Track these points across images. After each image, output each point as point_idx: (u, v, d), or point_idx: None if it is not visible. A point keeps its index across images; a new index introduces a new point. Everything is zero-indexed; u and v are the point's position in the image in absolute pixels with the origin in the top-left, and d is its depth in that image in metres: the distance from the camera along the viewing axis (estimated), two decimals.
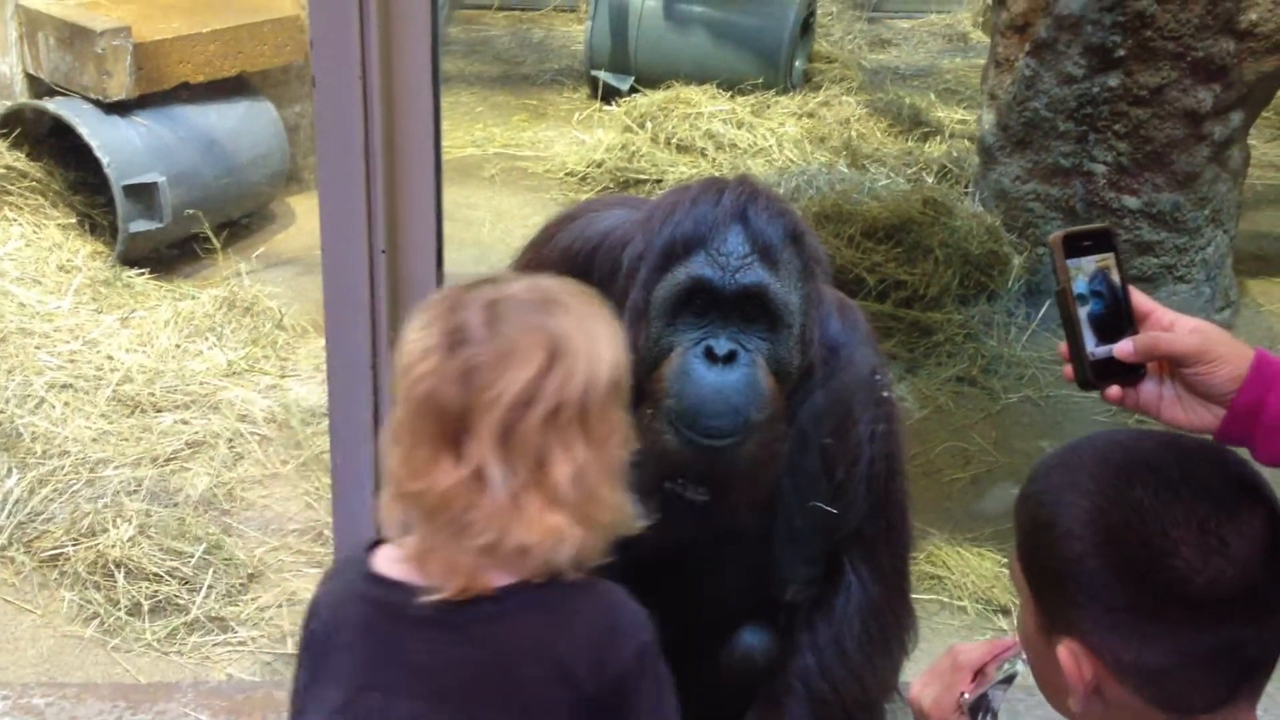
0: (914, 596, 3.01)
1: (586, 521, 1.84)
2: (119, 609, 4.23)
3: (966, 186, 6.88)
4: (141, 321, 5.77)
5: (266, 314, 5.89)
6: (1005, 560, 4.29)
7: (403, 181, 2.20)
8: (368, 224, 2.20)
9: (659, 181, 7.44)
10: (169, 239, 6.43)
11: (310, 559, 4.54)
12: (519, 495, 1.81)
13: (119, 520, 4.48)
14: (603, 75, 8.86)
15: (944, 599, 4.53)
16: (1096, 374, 1.95)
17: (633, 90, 8.64)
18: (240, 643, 4.18)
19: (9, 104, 6.48)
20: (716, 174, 7.17)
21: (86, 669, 4.05)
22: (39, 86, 6.59)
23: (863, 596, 2.68)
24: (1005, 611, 4.41)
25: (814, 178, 6.98)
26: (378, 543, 1.98)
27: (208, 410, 5.23)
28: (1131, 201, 6.06)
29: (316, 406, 5.17)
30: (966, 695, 1.99)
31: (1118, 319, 1.96)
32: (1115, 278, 1.96)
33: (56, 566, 4.40)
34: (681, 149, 7.87)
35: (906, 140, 8.08)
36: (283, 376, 5.54)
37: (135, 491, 4.70)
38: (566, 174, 7.82)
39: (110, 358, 5.45)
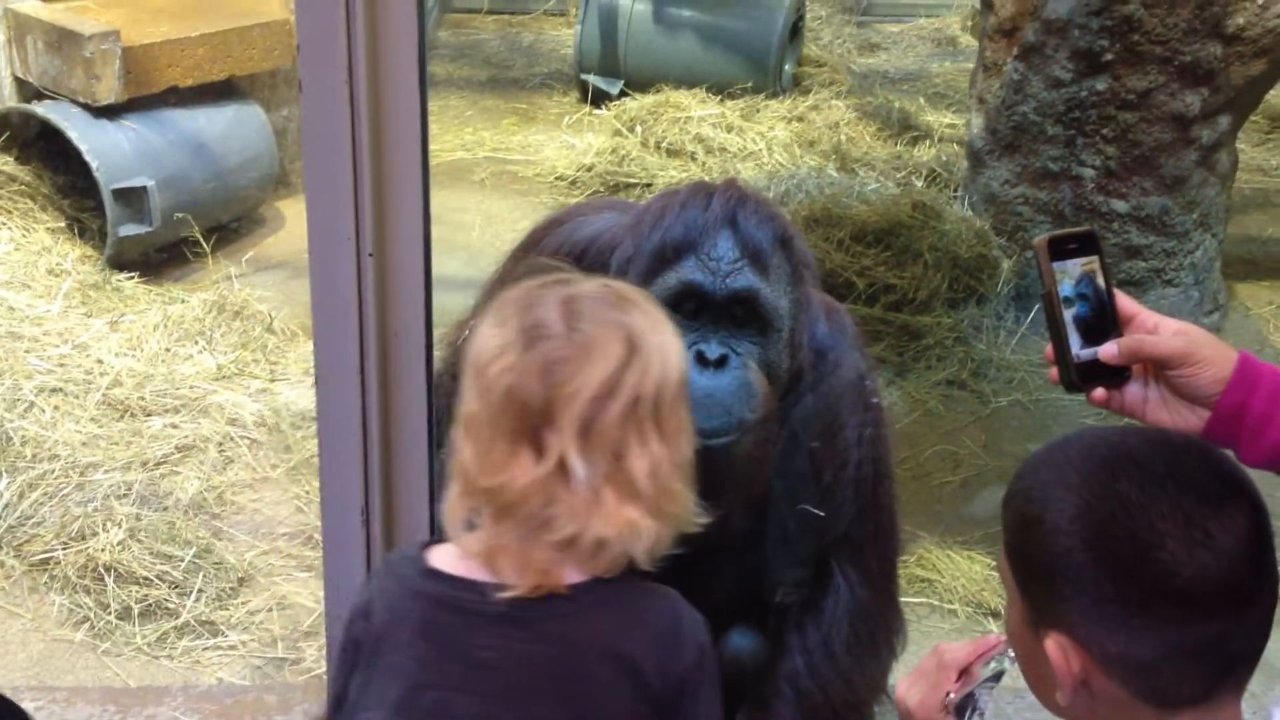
0: (904, 600, 3.02)
1: (659, 514, 1.88)
2: (109, 613, 4.23)
3: (955, 190, 6.89)
4: (131, 325, 5.76)
5: (256, 318, 5.88)
6: (995, 564, 4.31)
7: (390, 185, 2.20)
8: (355, 227, 2.21)
9: (649, 185, 7.44)
10: (158, 243, 6.43)
11: (300, 563, 4.54)
12: (599, 488, 1.83)
13: (109, 524, 4.48)
14: (592, 79, 8.86)
15: (934, 602, 4.54)
16: (1082, 376, 1.96)
17: (622, 94, 8.64)
18: (230, 647, 4.18)
19: None
20: (706, 178, 7.19)
21: (76, 673, 4.05)
22: (27, 90, 6.58)
23: (851, 599, 2.68)
24: (995, 614, 4.42)
25: (803, 182, 6.99)
26: (429, 542, 1.99)
27: (197, 414, 5.23)
28: (1120, 205, 6.08)
29: (306, 410, 5.17)
30: (952, 695, 2.00)
31: (1103, 322, 1.97)
32: (1100, 281, 1.97)
33: (46, 570, 4.40)
34: (671, 153, 7.87)
35: (896, 144, 8.09)
36: (272, 380, 5.54)
37: (125, 495, 4.69)
38: (556, 178, 7.82)
39: (100, 361, 5.45)
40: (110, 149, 6.20)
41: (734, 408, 2.40)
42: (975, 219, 6.34)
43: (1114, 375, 1.97)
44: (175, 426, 5.13)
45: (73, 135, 6.13)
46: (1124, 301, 1.99)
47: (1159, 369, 1.95)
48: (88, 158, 6.10)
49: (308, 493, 4.82)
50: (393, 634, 1.95)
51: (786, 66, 8.90)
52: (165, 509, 4.66)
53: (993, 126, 6.29)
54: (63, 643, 4.16)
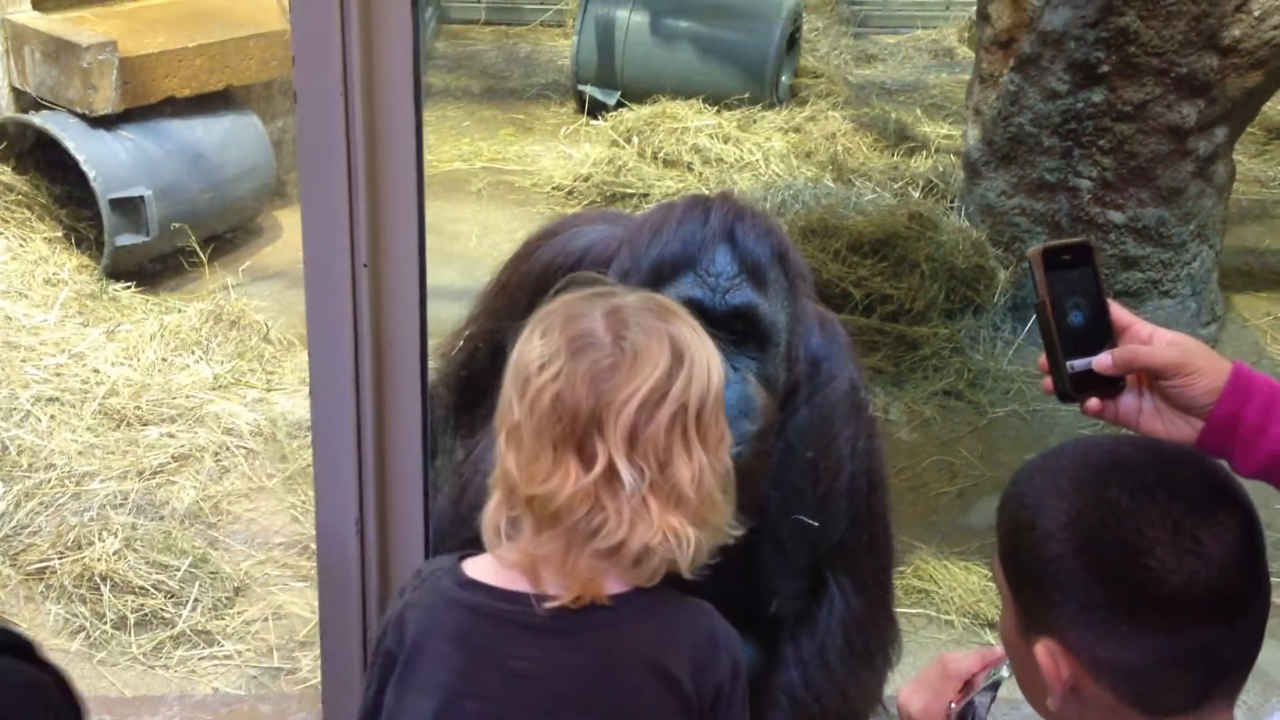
0: (901, 611, 3.03)
1: (701, 523, 1.89)
2: (105, 622, 4.23)
3: (952, 201, 6.89)
4: (128, 335, 5.77)
5: (253, 327, 5.88)
6: (991, 574, 4.31)
7: (385, 196, 2.20)
8: (350, 238, 2.21)
9: (645, 196, 7.45)
10: (155, 252, 6.43)
11: (296, 573, 4.54)
12: (645, 496, 1.85)
13: (105, 534, 4.48)
14: (589, 90, 8.87)
15: (931, 613, 4.54)
16: (1076, 386, 1.97)
17: (619, 105, 8.65)
18: (226, 656, 4.18)
19: None
20: (703, 189, 7.20)
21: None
22: (25, 100, 6.59)
23: (845, 609, 2.68)
24: (992, 625, 4.42)
25: (800, 192, 7.00)
26: (465, 553, 2.00)
27: (194, 424, 5.23)
28: (1117, 216, 6.08)
29: (303, 420, 5.17)
30: (954, 705, 2.00)
31: (1097, 332, 1.97)
32: (1094, 291, 1.98)
33: (42, 580, 4.40)
34: (668, 163, 7.88)
35: (892, 155, 8.10)
36: (269, 390, 5.54)
37: (121, 505, 4.69)
38: (553, 188, 7.83)
39: (96, 371, 5.45)
40: (107, 159, 6.20)
41: (735, 421, 2.40)
42: (972, 230, 6.35)
43: (1108, 385, 1.97)
44: (171, 436, 5.14)
45: (70, 145, 6.14)
46: (1118, 312, 1.99)
47: (1153, 379, 1.95)
48: (85, 168, 6.11)
49: (304, 502, 4.82)
50: (428, 645, 1.95)
51: (783, 77, 8.91)
52: (161, 518, 4.66)
53: (989, 138, 6.30)
54: (59, 652, 4.16)
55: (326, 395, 2.32)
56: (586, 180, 7.76)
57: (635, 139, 8.06)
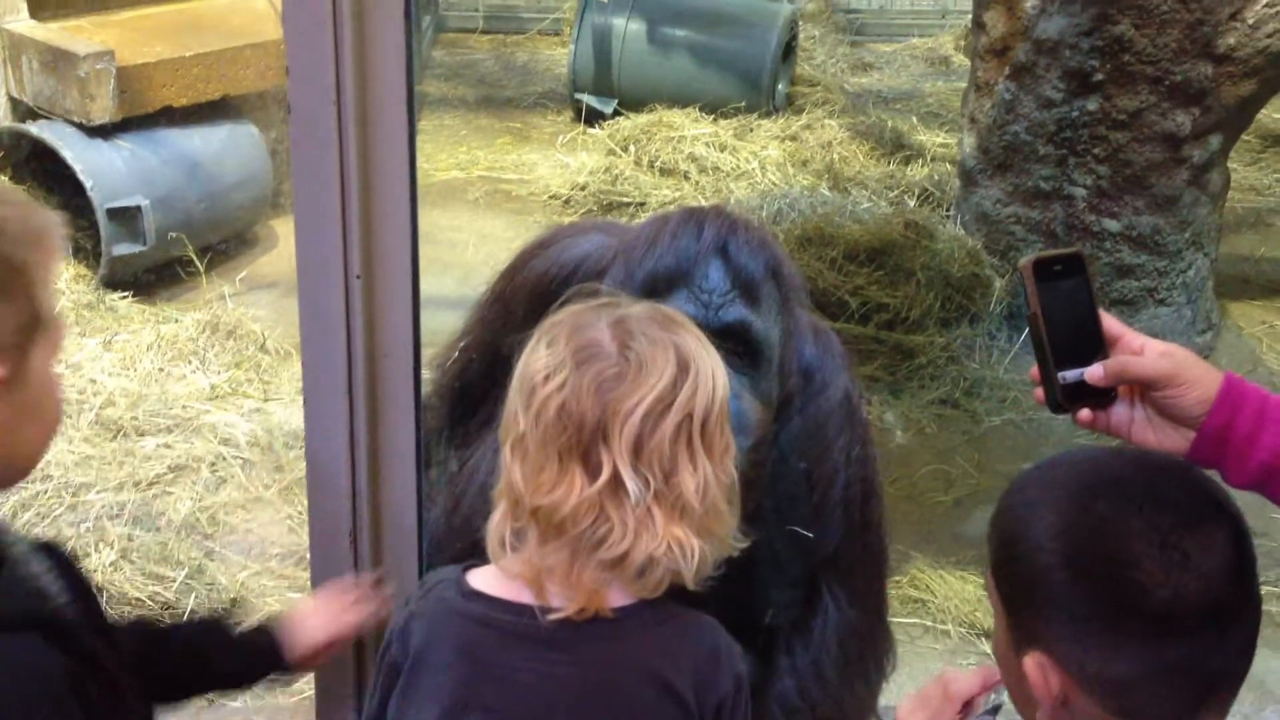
0: (897, 620, 3.03)
1: (705, 534, 1.89)
2: None
3: (948, 210, 6.90)
4: (124, 345, 5.76)
5: (249, 337, 5.88)
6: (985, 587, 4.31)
7: (378, 207, 2.21)
8: (343, 249, 2.21)
9: (642, 204, 7.46)
10: (152, 262, 6.43)
11: (293, 583, 4.53)
12: (650, 506, 1.85)
13: (101, 545, 4.47)
14: (586, 98, 8.88)
15: (927, 622, 4.54)
16: (1067, 397, 1.97)
17: (616, 113, 8.66)
18: None
19: None
20: (699, 197, 7.19)
21: None
22: (22, 109, 6.59)
23: (840, 619, 2.68)
24: (988, 635, 4.41)
25: (796, 201, 7.01)
26: (469, 564, 2.00)
27: (190, 434, 5.22)
28: (1112, 225, 6.09)
29: (299, 430, 5.16)
30: None
31: (1089, 343, 1.97)
32: (1086, 302, 1.98)
33: None
34: (664, 172, 7.89)
35: (888, 163, 8.11)
36: (266, 400, 5.53)
37: (118, 516, 4.69)
38: (550, 197, 7.84)
39: (93, 381, 5.45)
40: (104, 168, 6.21)
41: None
42: (967, 238, 6.36)
43: (1100, 396, 1.97)
44: (168, 446, 5.13)
45: (67, 155, 6.14)
46: (1110, 322, 1.99)
47: (1144, 390, 1.95)
48: (82, 177, 6.11)
49: (300, 513, 4.81)
50: (431, 656, 1.95)
51: (780, 86, 8.92)
52: (158, 529, 4.66)
53: (985, 146, 6.30)
54: None
55: (320, 407, 2.32)
56: (583, 189, 7.76)
57: (632, 147, 8.07)
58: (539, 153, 8.54)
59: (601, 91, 8.86)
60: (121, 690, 1.80)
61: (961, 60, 10.26)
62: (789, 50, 9.10)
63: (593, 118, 8.79)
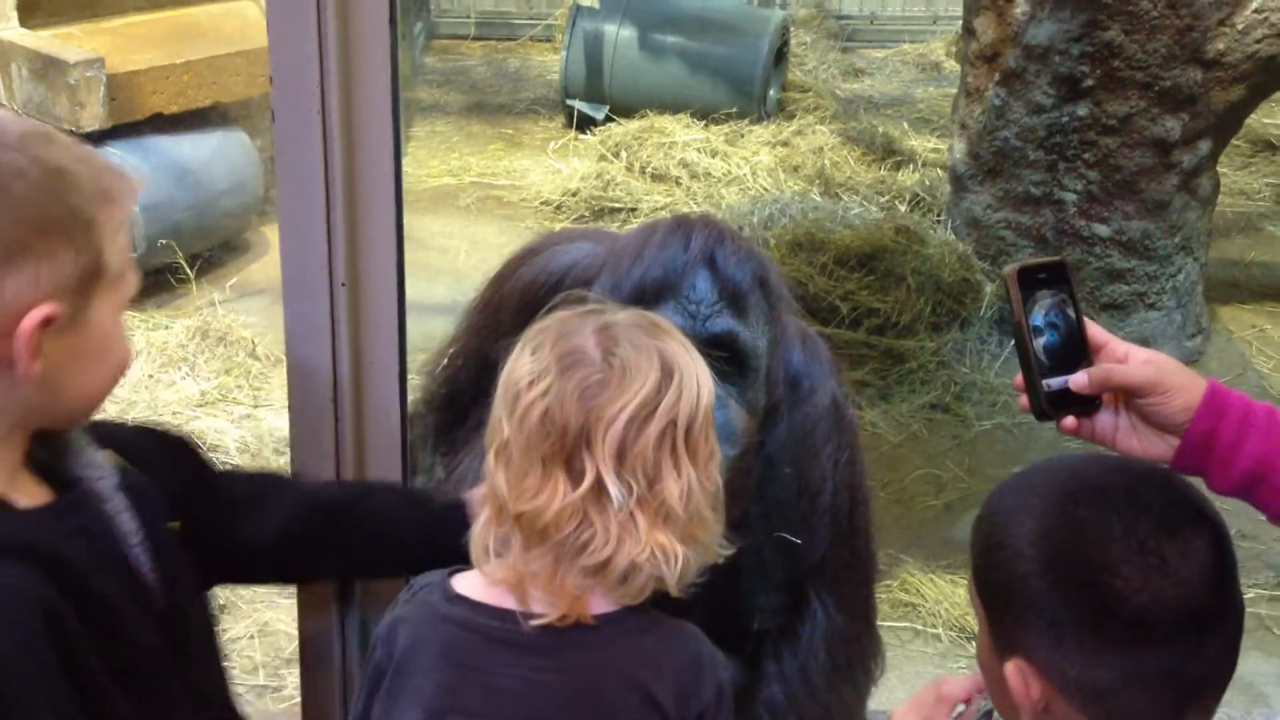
0: (888, 624, 3.03)
1: (690, 540, 1.89)
2: None
3: (938, 215, 6.91)
4: None
5: (239, 343, 5.88)
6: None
7: (363, 214, 2.20)
8: (328, 257, 2.21)
9: (633, 210, 7.47)
10: (142, 269, 6.40)
11: (282, 590, 4.51)
12: (633, 512, 1.85)
13: None
14: (578, 104, 8.89)
15: (917, 626, 4.54)
16: (1052, 405, 1.97)
17: (608, 119, 8.67)
18: None
19: None
20: (691, 203, 7.19)
21: None
22: None
23: (827, 625, 2.68)
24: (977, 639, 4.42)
25: (787, 206, 7.01)
26: (455, 569, 2.00)
27: None
28: (1102, 229, 6.10)
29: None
30: None
31: (1073, 351, 1.98)
32: (1070, 310, 1.98)
33: None
34: (656, 178, 7.90)
35: (879, 169, 8.12)
36: (255, 406, 5.53)
37: None
38: (542, 203, 7.84)
39: None
40: None
41: None
42: (958, 243, 6.37)
43: (1084, 404, 1.97)
44: None
45: None
46: (1094, 330, 2.00)
47: (1129, 397, 1.96)
48: None
49: None
50: (415, 659, 1.95)
51: (771, 92, 8.94)
52: None
53: (975, 151, 6.31)
54: None
55: (305, 415, 2.32)
56: (575, 195, 7.77)
57: (623, 153, 8.08)
58: (531, 159, 8.54)
59: (593, 97, 8.87)
60: (124, 632, 1.79)
61: (952, 66, 10.28)
62: (780, 56, 9.12)
63: (584, 124, 8.80)
